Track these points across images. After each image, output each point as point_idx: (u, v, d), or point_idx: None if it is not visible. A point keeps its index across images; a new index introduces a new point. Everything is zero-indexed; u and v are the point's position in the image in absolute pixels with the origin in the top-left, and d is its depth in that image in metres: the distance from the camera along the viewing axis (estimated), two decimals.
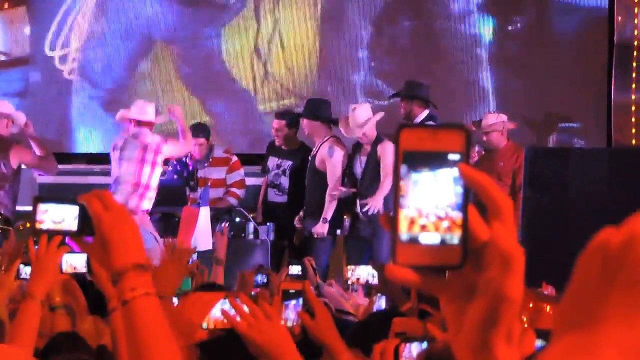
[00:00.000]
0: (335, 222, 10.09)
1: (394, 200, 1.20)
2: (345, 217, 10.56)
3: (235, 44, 12.01)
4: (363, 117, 9.61)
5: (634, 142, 10.83)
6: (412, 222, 1.18)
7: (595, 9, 11.22)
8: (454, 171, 1.18)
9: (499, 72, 11.51)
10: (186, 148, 10.26)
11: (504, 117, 9.96)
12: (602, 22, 11.16)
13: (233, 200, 10.84)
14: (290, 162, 10.59)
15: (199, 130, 10.83)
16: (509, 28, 11.53)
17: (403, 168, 1.18)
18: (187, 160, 10.86)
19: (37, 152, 9.92)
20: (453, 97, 11.33)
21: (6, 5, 11.95)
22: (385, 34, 11.70)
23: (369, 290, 6.77)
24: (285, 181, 10.63)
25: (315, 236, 9.92)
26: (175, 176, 10.82)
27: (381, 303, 5.86)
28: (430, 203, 1.18)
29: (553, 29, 11.40)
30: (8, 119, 9.82)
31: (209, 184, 10.69)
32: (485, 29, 11.48)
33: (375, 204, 9.52)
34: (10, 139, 9.83)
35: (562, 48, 11.24)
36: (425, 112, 10.05)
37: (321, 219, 9.91)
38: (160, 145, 9.97)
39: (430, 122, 9.82)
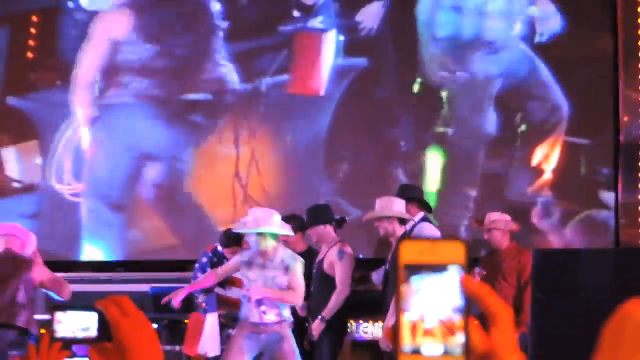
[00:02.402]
0: (341, 326, 10.02)
1: (396, 311, 1.23)
2: (351, 321, 10.52)
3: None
4: (396, 208, 9.57)
5: None
6: (414, 329, 1.21)
7: (599, 107, 11.30)
8: (454, 282, 1.21)
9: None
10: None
11: (507, 217, 9.95)
12: (607, 122, 11.23)
13: None
14: None
15: (231, 240, 10.65)
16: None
17: (404, 280, 1.22)
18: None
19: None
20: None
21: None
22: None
23: None
24: None
25: (313, 333, 9.81)
26: (208, 269, 10.45)
27: None
28: (431, 311, 1.21)
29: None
30: (22, 239, 9.70)
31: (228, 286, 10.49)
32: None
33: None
34: (28, 259, 9.68)
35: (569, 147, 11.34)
36: (420, 214, 10.02)
37: (319, 317, 9.81)
38: None
39: (425, 223, 9.84)
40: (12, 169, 12.91)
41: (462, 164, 11.70)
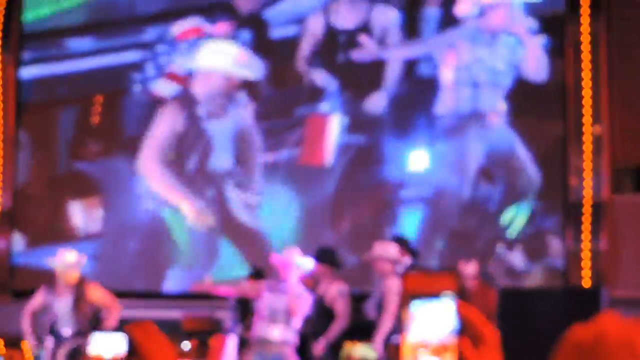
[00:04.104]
0: (339, 348, 9.97)
1: (400, 331, 1.21)
2: (347, 343, 10.46)
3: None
4: (391, 251, 9.54)
5: (586, 283, 10.79)
6: (415, 347, 1.19)
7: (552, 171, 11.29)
8: (448, 307, 1.20)
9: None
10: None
11: (473, 267, 9.88)
12: (557, 184, 11.24)
13: None
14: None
15: (256, 275, 10.64)
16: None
17: (407, 306, 1.20)
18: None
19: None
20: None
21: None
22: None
23: None
24: None
25: (316, 353, 9.76)
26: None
27: None
28: (430, 332, 1.19)
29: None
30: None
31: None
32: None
33: (377, 346, 9.39)
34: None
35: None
36: (409, 259, 9.96)
37: (322, 341, 9.74)
38: None
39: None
40: (77, 219, 13.02)
41: (437, 221, 11.67)
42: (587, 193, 11.02)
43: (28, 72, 13.56)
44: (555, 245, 11.14)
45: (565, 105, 11.18)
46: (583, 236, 10.93)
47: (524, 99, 11.34)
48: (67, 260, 9.69)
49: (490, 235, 11.37)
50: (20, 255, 13.31)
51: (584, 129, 11.10)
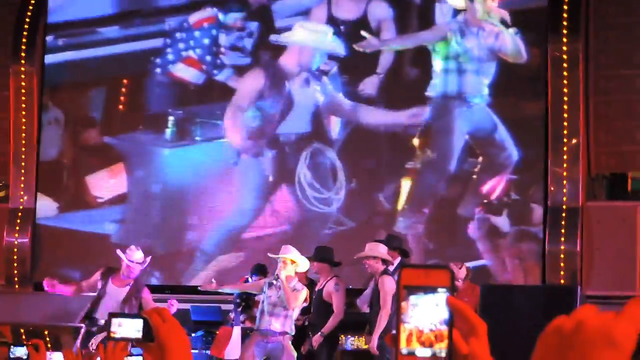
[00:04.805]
0: (335, 339, 9.96)
1: (396, 322, 1.21)
2: (341, 336, 10.45)
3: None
4: (381, 250, 9.50)
5: (562, 281, 10.84)
6: (410, 336, 1.19)
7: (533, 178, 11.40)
8: (442, 300, 1.20)
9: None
10: None
11: (463, 272, 9.91)
12: (538, 190, 11.33)
13: None
14: None
15: (259, 271, 10.62)
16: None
17: (404, 298, 1.20)
18: None
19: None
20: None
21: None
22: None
23: None
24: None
25: (314, 344, 9.74)
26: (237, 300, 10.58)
27: None
28: (424, 322, 1.19)
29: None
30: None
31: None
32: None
33: (373, 344, 9.33)
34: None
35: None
36: (399, 259, 9.93)
37: (319, 333, 9.74)
38: None
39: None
40: (105, 188, 13.29)
41: (425, 190, 11.93)
42: (564, 200, 11.08)
43: (63, 56, 13.77)
44: (536, 211, 11.27)
45: (545, 119, 11.29)
46: (561, 239, 10.99)
47: (505, 84, 11.69)
48: (135, 257, 9.57)
49: (473, 201, 11.66)
50: (52, 220, 13.45)
51: (563, 140, 11.17)
